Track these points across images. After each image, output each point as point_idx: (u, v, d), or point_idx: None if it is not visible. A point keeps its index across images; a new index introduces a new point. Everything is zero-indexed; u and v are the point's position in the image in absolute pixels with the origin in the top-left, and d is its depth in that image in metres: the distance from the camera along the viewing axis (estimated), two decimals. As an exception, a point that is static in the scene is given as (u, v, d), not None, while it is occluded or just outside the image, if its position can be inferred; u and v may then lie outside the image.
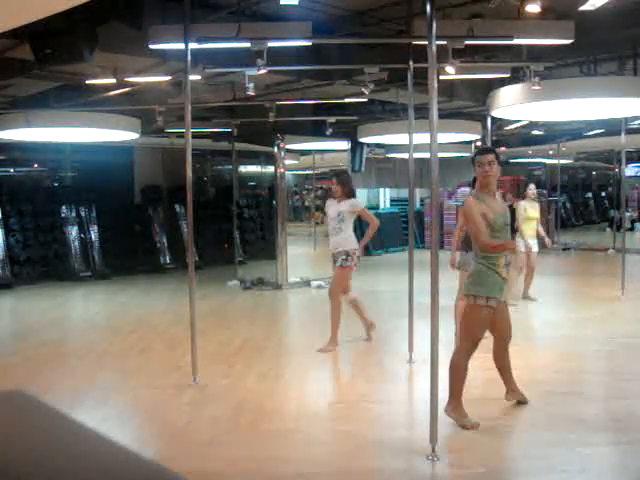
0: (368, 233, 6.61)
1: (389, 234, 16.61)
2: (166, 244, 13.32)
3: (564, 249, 16.23)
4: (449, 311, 6.29)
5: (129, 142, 11.05)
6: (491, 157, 4.17)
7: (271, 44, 5.33)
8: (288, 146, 11.26)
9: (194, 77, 6.51)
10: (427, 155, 4.01)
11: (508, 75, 7.44)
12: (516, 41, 5.57)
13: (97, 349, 6.70)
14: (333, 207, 6.51)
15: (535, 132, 14.57)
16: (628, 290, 9.24)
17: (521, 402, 4.54)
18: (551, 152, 16.65)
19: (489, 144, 9.37)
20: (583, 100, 6.84)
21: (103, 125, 8.79)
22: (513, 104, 7.20)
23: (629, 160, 13.95)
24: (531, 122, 11.63)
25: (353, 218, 6.52)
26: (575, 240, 17.32)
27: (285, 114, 9.80)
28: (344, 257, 6.30)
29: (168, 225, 13.54)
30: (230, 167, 13.06)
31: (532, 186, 9.06)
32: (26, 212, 11.96)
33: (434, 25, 3.79)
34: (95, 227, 12.46)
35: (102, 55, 6.24)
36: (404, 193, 16.60)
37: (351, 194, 6.52)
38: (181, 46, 5.24)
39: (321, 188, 13.57)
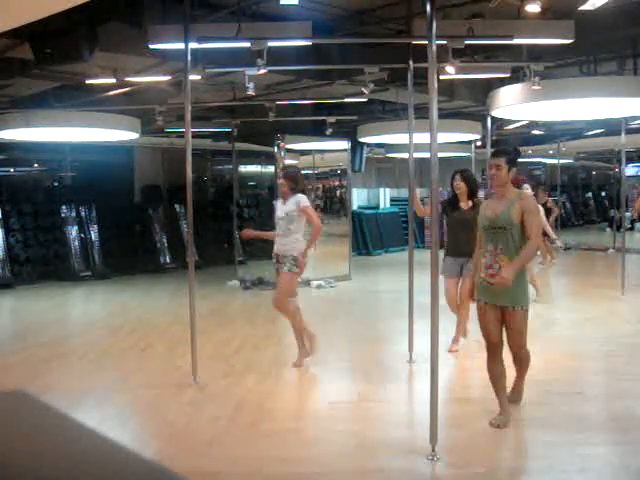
0: (311, 238, 5.83)
1: (389, 234, 16.61)
2: (166, 244, 13.32)
3: (564, 249, 16.23)
4: (450, 311, 6.29)
5: (129, 142, 11.05)
6: (497, 161, 4.22)
7: (271, 44, 5.34)
8: (288, 146, 11.26)
9: (194, 77, 6.51)
10: (427, 155, 4.01)
11: (508, 75, 7.44)
12: (516, 41, 5.58)
13: (97, 349, 6.70)
14: (280, 207, 5.84)
15: (535, 132, 14.57)
16: (628, 290, 9.24)
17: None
18: (551, 152, 16.64)
19: (489, 144, 9.37)
20: (583, 100, 6.84)
21: (103, 125, 8.80)
22: (513, 104, 7.20)
23: (629, 160, 13.95)
24: (531, 122, 11.63)
25: (304, 219, 5.77)
26: (575, 240, 17.33)
27: (285, 114, 9.80)
28: (293, 262, 5.70)
29: (168, 225, 13.54)
30: (230, 167, 13.06)
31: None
32: (26, 212, 11.97)
33: (434, 25, 3.79)
34: (95, 227, 12.46)
35: (102, 55, 6.24)
36: (404, 193, 16.60)
37: (297, 190, 5.80)
38: (181, 46, 5.24)
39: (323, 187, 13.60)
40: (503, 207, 4.18)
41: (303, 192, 5.89)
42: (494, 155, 4.35)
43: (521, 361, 4.42)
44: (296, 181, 5.83)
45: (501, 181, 4.22)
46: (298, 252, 5.69)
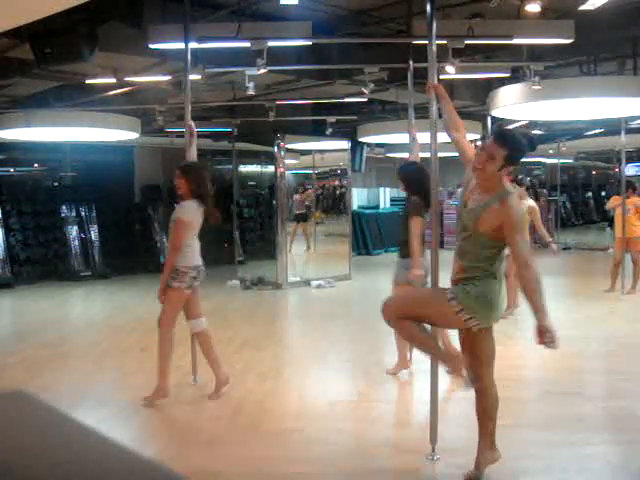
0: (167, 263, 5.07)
1: (389, 234, 16.60)
2: (166, 244, 13.30)
3: (564, 249, 16.23)
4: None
5: (129, 142, 11.05)
6: (493, 149, 3.16)
7: (271, 44, 5.34)
8: (288, 146, 11.26)
9: (194, 77, 6.51)
10: (427, 155, 4.01)
11: (508, 75, 7.44)
12: (516, 41, 5.59)
13: (97, 349, 6.70)
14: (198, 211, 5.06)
15: (535, 132, 14.57)
16: (628, 290, 9.25)
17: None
18: (551, 152, 16.64)
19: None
20: (583, 100, 6.85)
21: (103, 125, 8.80)
22: (513, 104, 7.20)
23: (629, 159, 13.94)
24: (531, 122, 11.63)
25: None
26: (575, 239, 17.33)
27: (285, 114, 9.80)
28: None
29: (168, 225, 13.52)
30: (230, 167, 13.06)
31: None
32: (26, 212, 11.96)
33: (434, 25, 3.79)
34: (95, 227, 12.45)
35: (102, 55, 6.24)
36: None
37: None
38: (181, 46, 5.24)
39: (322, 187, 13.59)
40: (479, 203, 3.26)
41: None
42: (494, 139, 3.24)
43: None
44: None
45: (484, 177, 3.22)
46: None
